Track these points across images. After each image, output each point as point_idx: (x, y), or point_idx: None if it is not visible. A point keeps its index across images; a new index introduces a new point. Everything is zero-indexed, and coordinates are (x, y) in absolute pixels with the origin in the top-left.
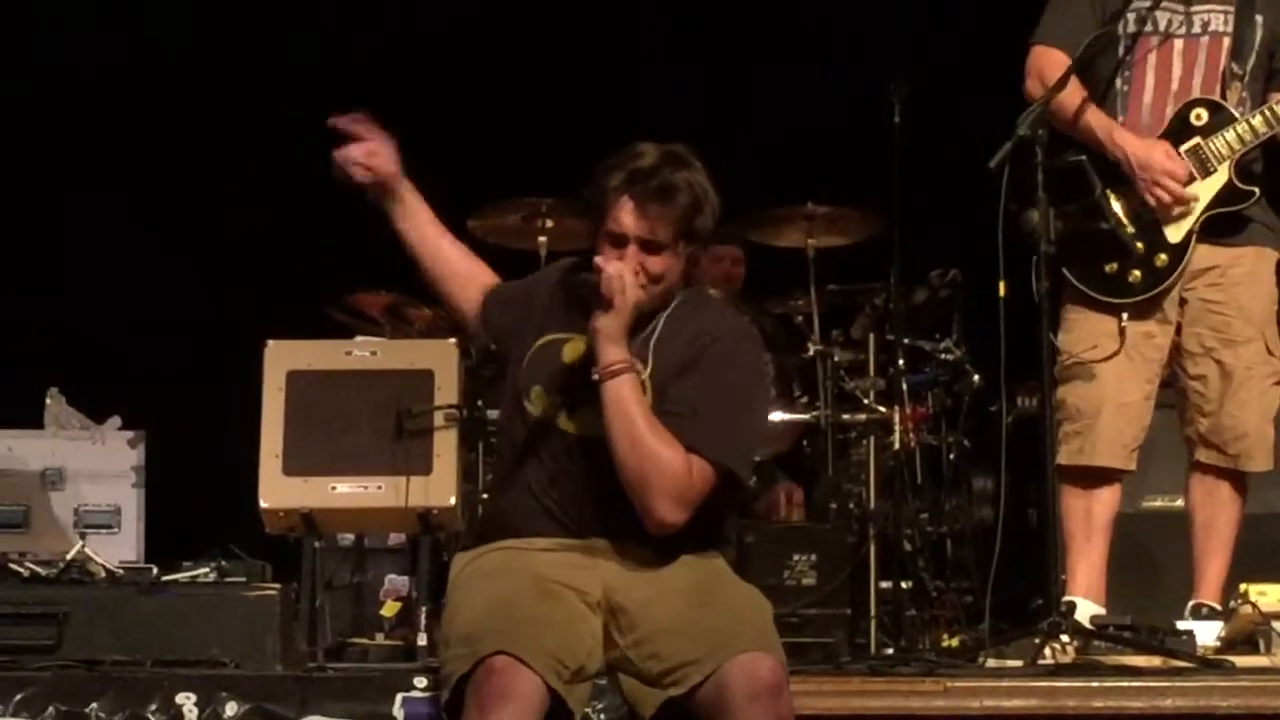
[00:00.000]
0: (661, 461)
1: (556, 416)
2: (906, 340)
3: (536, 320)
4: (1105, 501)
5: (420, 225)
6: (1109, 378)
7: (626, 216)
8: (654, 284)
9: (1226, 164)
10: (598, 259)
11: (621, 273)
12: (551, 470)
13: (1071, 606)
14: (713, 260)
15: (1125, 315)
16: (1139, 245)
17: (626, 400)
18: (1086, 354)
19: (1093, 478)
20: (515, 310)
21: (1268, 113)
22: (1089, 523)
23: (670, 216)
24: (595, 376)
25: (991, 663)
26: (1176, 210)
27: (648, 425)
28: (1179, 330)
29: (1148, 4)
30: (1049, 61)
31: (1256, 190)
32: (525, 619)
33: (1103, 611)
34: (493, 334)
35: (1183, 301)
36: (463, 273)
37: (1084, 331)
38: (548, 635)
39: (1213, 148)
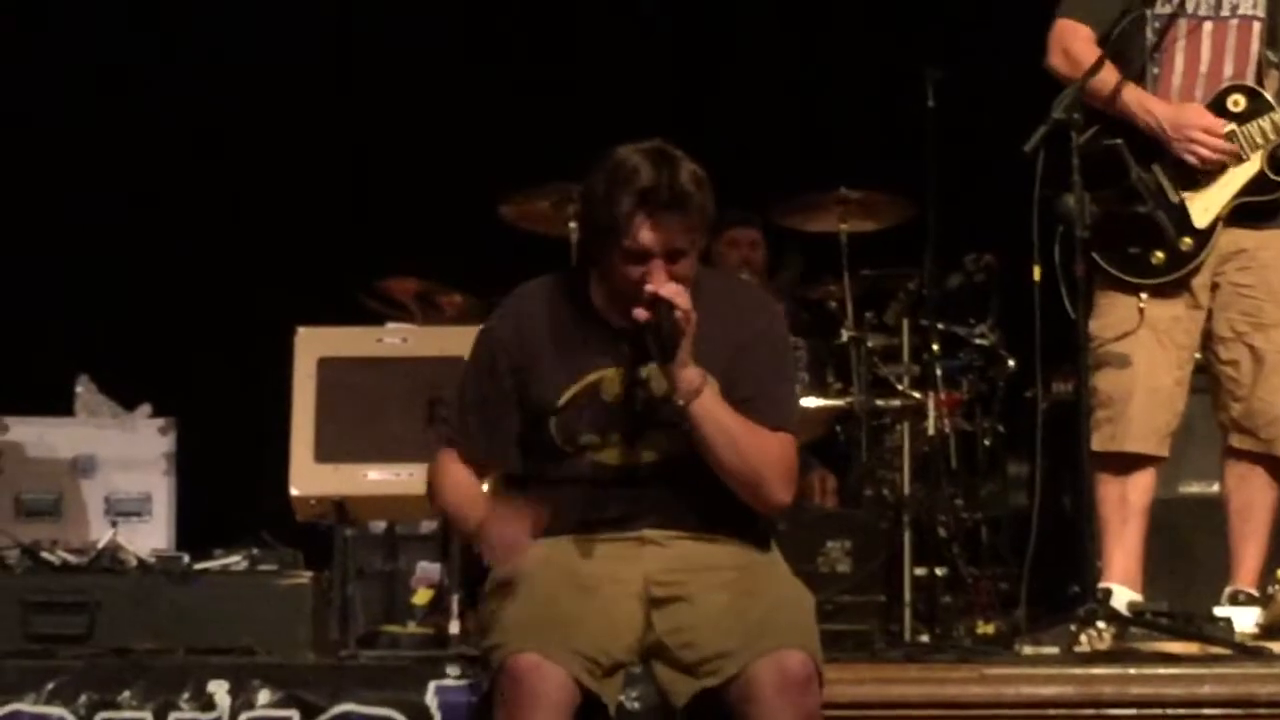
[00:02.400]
0: (767, 454)
1: (614, 454)
2: (941, 325)
3: (549, 363)
4: (1140, 487)
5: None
6: (1139, 363)
7: (647, 235)
8: (685, 286)
9: (1260, 153)
10: (649, 288)
11: (681, 300)
12: (608, 488)
13: (1107, 593)
14: (729, 245)
15: (1143, 295)
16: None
17: (717, 413)
18: (1112, 337)
19: (1126, 464)
20: (515, 360)
21: None
22: (1124, 509)
23: (689, 223)
24: (681, 403)
25: (1027, 650)
26: (1218, 171)
27: (743, 427)
28: (1210, 315)
29: None
30: (1073, 36)
31: None
32: (558, 619)
33: (1139, 598)
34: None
35: (1214, 287)
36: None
37: (1111, 316)
38: (580, 634)
39: (1247, 135)
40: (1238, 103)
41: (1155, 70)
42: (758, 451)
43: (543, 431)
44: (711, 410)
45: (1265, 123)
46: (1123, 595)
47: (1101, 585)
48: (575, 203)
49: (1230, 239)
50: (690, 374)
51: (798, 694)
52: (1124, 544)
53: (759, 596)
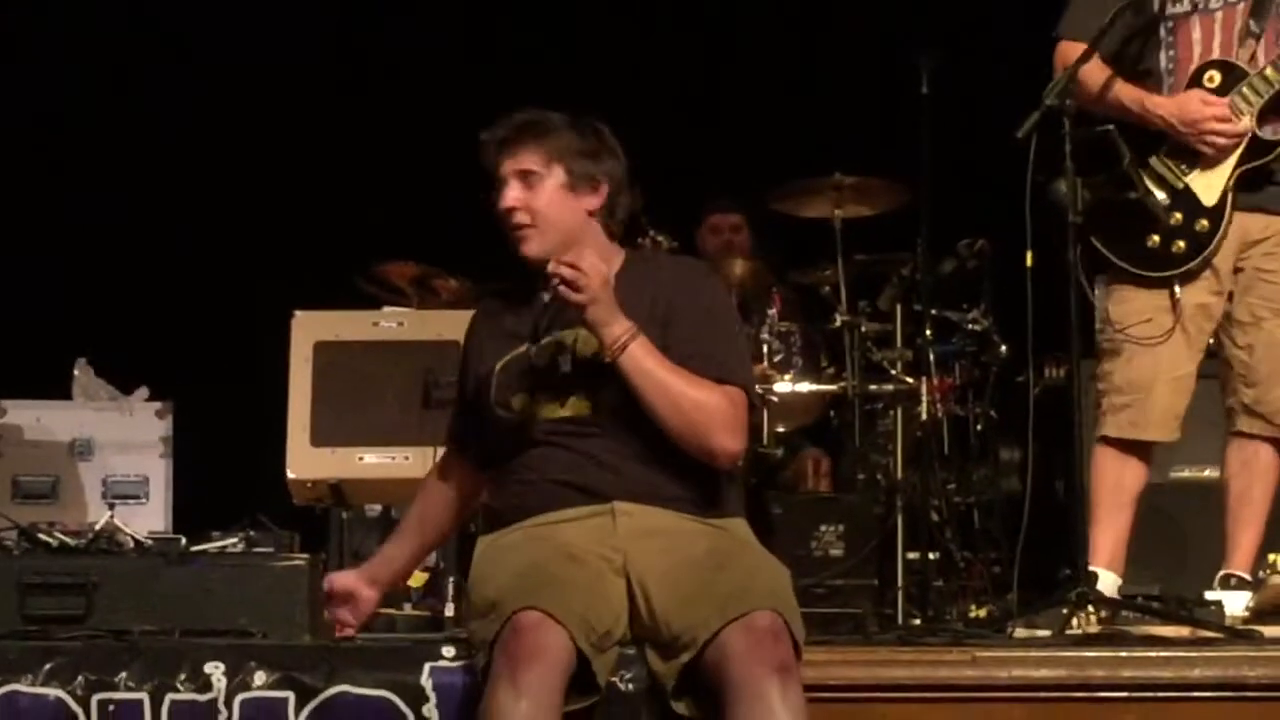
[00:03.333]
0: (703, 401)
1: (542, 412)
2: (934, 311)
3: (489, 342)
4: (1138, 474)
5: (414, 553)
6: (1164, 352)
7: (493, 159)
8: (541, 218)
9: (1247, 118)
10: (550, 266)
11: (570, 261)
12: (570, 450)
13: (1094, 577)
14: (711, 231)
15: (1178, 287)
16: (1176, 216)
17: (647, 364)
18: (1139, 328)
19: (1134, 449)
20: (471, 353)
21: None
22: (1119, 494)
23: (529, 143)
24: (607, 358)
25: (1020, 632)
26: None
27: (677, 376)
28: (1230, 298)
29: None
30: (1073, 54)
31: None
32: (552, 580)
33: (1120, 583)
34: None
35: (1238, 270)
36: (452, 493)
37: (1137, 305)
38: (575, 596)
39: (1232, 106)
40: (1212, 79)
41: (1170, 66)
42: (693, 400)
43: (487, 409)
44: (641, 361)
45: (1245, 89)
46: (1107, 579)
47: (1087, 569)
48: None
49: (1256, 225)
50: (615, 329)
51: (769, 646)
52: (1114, 529)
53: (731, 570)
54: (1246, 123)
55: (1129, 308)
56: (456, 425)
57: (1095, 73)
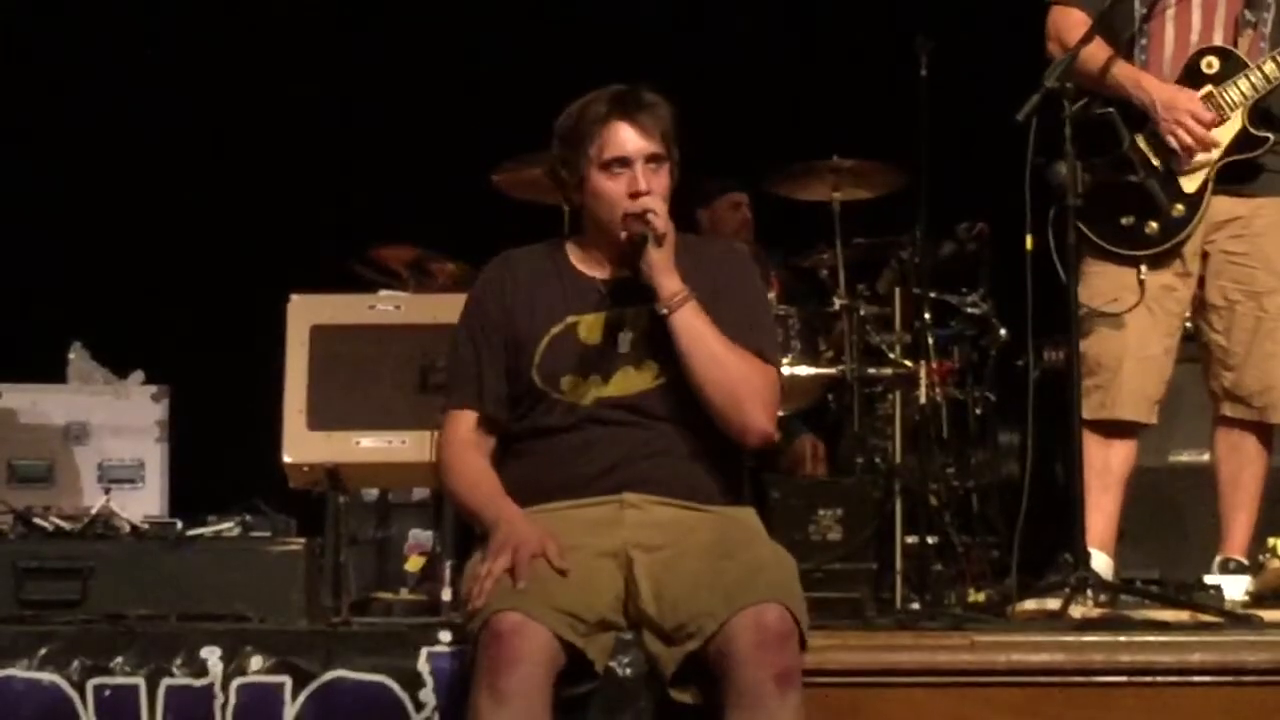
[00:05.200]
0: (748, 374)
1: (590, 392)
2: (933, 294)
3: (529, 312)
4: (1123, 455)
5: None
6: (1130, 331)
7: (625, 136)
8: (661, 203)
9: (1240, 111)
10: (627, 204)
11: (658, 205)
12: (586, 436)
13: (1087, 556)
14: (730, 206)
15: (1144, 267)
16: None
17: (700, 324)
18: (1106, 307)
19: (1114, 430)
20: (499, 317)
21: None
22: (1106, 475)
23: (661, 125)
24: (663, 311)
25: (1030, 604)
26: (1199, 155)
27: (725, 343)
28: (1202, 284)
29: None
30: (1068, 22)
31: (1270, 136)
32: (538, 577)
33: (1111, 563)
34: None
35: (1205, 255)
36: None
37: (1103, 284)
38: (560, 591)
39: (1226, 95)
40: (1211, 64)
41: (1144, 41)
42: (738, 369)
43: (524, 378)
44: (693, 321)
45: (1243, 82)
46: (1100, 560)
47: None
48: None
49: (1223, 206)
50: (674, 282)
51: (775, 649)
52: (1103, 509)
53: (738, 559)
54: (1228, 126)
55: (1096, 287)
56: (484, 387)
57: (1096, 52)
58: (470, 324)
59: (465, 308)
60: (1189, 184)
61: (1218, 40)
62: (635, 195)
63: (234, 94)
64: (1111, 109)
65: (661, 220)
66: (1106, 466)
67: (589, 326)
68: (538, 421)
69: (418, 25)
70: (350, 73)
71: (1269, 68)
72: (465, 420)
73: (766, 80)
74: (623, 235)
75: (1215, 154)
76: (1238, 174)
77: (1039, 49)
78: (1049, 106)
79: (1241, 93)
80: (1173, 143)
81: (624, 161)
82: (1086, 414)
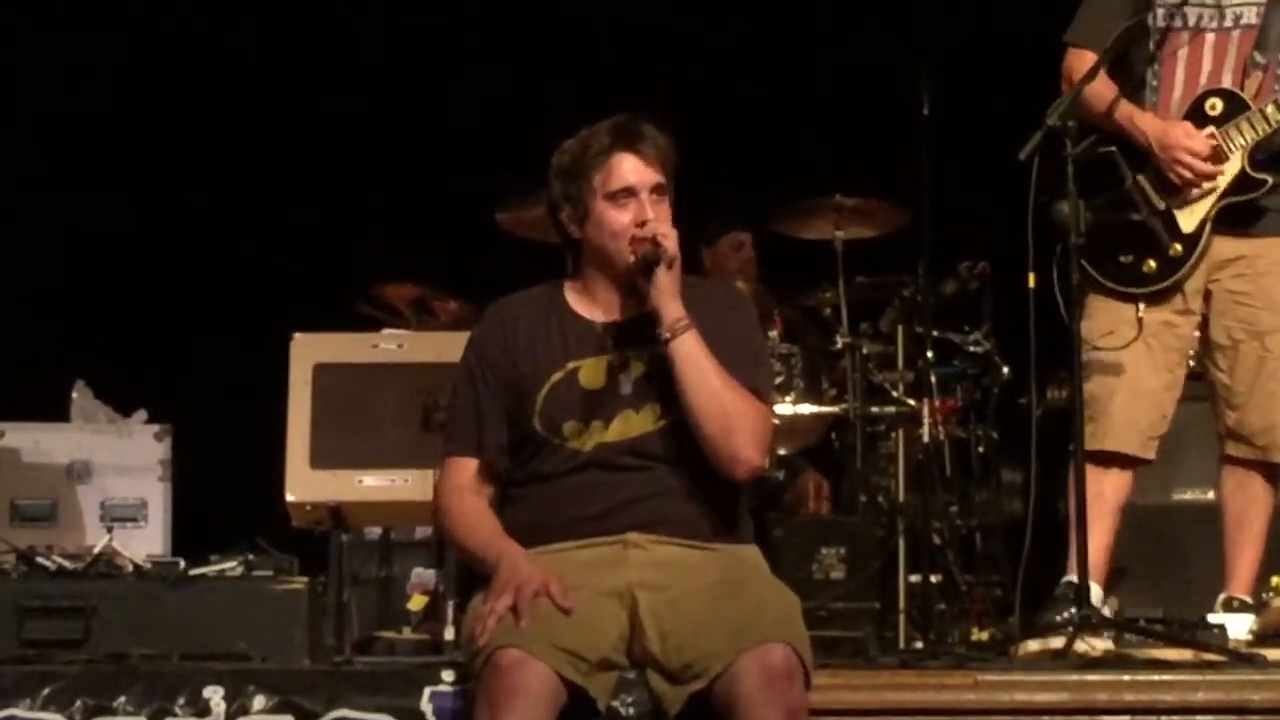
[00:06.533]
0: (742, 407)
1: (592, 438)
2: (935, 333)
3: (530, 358)
4: (1116, 486)
5: None
6: (1125, 366)
7: (630, 167)
8: (667, 233)
9: (1240, 153)
10: (636, 230)
11: (668, 230)
12: (587, 480)
13: (1084, 589)
14: (733, 246)
15: (1142, 305)
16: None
17: (698, 353)
18: (1104, 341)
19: (1107, 462)
20: (500, 362)
21: None
22: (1098, 504)
23: (663, 156)
24: (665, 336)
25: (1033, 645)
26: (1200, 189)
27: (722, 375)
28: (1206, 323)
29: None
30: (1081, 63)
31: (1269, 179)
32: (541, 616)
33: (1102, 593)
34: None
35: (1208, 294)
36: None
37: (1102, 319)
38: (562, 630)
39: (1228, 136)
40: (1215, 106)
41: (1155, 82)
42: (732, 401)
43: (526, 426)
44: (693, 349)
45: (1244, 123)
46: (1093, 592)
47: (1067, 579)
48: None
49: (1227, 246)
50: (678, 308)
51: (782, 688)
52: (1094, 539)
53: (742, 598)
54: (1228, 168)
55: (1096, 321)
56: (485, 435)
57: (1102, 90)
58: (471, 370)
59: (465, 354)
60: (1186, 224)
61: (1226, 82)
62: (642, 225)
63: (238, 132)
64: (1113, 148)
65: (672, 244)
66: (1099, 494)
67: (590, 371)
68: (539, 467)
69: (422, 63)
70: (354, 111)
71: (1270, 110)
72: (465, 468)
73: (769, 119)
74: (631, 259)
75: (1213, 195)
76: (1239, 215)
77: (1041, 87)
78: (1051, 145)
79: (1243, 134)
80: (1174, 179)
81: (630, 191)
82: (1084, 445)
